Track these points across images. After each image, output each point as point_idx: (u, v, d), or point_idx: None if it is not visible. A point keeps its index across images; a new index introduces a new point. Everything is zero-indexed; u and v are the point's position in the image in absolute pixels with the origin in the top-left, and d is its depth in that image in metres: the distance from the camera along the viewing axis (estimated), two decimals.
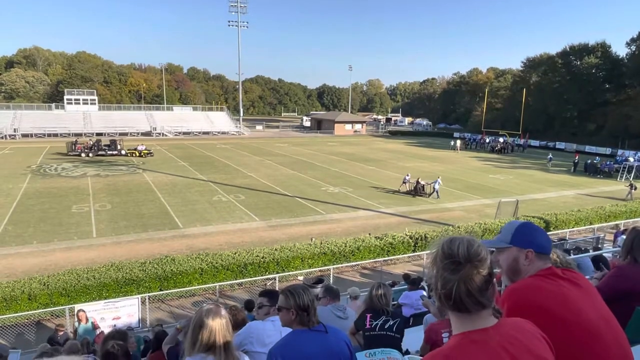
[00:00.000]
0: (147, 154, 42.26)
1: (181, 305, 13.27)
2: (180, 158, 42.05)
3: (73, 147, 42.27)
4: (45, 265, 15.53)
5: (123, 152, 42.76)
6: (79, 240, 18.27)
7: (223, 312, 2.61)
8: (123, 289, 12.71)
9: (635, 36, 60.19)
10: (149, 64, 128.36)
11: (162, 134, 65.72)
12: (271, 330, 3.17)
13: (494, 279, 1.50)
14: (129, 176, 32.16)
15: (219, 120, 76.64)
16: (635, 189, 27.83)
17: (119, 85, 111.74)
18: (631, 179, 34.69)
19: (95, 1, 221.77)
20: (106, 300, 11.78)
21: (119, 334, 4.16)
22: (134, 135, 63.88)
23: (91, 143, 43.29)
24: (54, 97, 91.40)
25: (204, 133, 69.58)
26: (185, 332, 2.97)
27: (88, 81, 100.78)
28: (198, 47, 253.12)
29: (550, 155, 45.84)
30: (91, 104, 71.63)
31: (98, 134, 62.56)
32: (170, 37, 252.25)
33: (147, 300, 12.29)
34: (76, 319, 10.12)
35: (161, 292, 12.98)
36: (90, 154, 41.46)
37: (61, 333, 9.29)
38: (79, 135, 58.60)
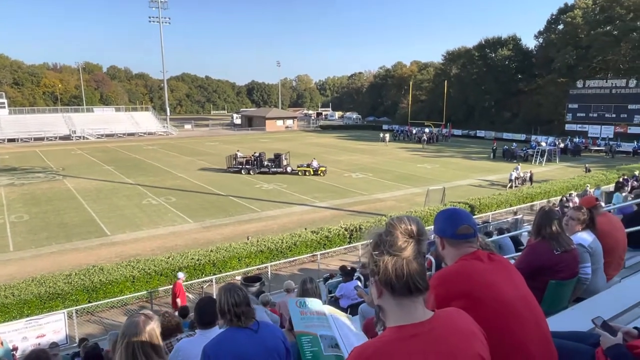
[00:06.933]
0: (324, 171, 33.27)
1: (113, 316, 12.66)
2: (104, 162, 39.89)
3: (234, 161, 34.64)
4: None
5: (289, 169, 33.87)
6: None
7: (151, 321, 2.49)
8: (47, 305, 11.91)
9: (542, 29, 64.81)
10: (65, 63, 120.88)
11: (83, 137, 62.12)
12: (200, 345, 3.10)
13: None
14: (48, 184, 30.08)
15: (145, 121, 73.64)
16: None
17: (32, 87, 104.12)
18: (544, 162, 37.53)
19: None
20: (28, 318, 10.98)
21: (38, 356, 3.90)
22: (51, 140, 59.83)
23: (254, 157, 34.55)
24: None
25: (129, 134, 66.66)
26: (114, 347, 2.82)
27: None
28: (117, 44, 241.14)
29: (381, 135, 58.04)
30: (0, 107, 66.10)
31: (10, 140, 58.02)
32: (86, 34, 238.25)
33: (74, 314, 11.61)
34: None
35: (90, 305, 12.31)
36: (252, 171, 33.64)
37: None
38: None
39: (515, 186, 27.80)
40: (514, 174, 28.79)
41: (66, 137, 61.57)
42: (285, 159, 34.34)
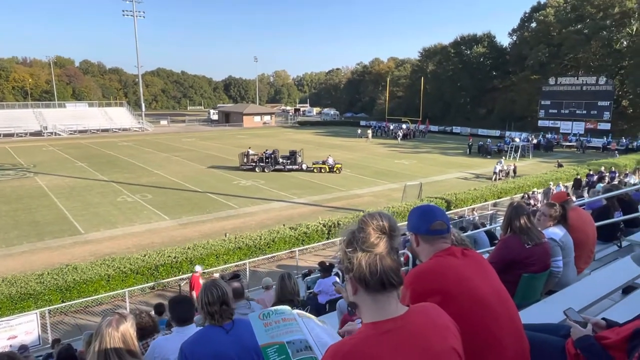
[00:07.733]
0: (340, 168, 32.31)
1: (87, 316, 12.42)
2: (77, 158, 39.01)
3: (246, 158, 33.31)
4: None
5: (304, 166, 32.85)
6: None
7: (125, 321, 2.44)
8: (18, 305, 11.60)
9: (515, 27, 65.99)
10: (35, 58, 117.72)
11: (55, 133, 60.54)
12: (176, 342, 3.06)
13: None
14: (18, 181, 29.26)
15: (119, 116, 72.21)
16: None
17: (0, 82, 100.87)
18: (517, 158, 38.27)
19: None
20: None
21: (10, 357, 3.79)
22: (21, 136, 58.18)
23: (266, 154, 33.10)
24: None
25: (103, 130, 65.30)
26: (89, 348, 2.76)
27: None
28: (90, 38, 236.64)
29: (359, 131, 58.44)
30: None
31: None
32: (57, 27, 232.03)
33: (47, 314, 11.35)
34: None
35: (63, 304, 12.04)
36: (266, 169, 32.48)
37: None
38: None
39: (499, 178, 29.11)
40: (498, 167, 30.11)
41: (37, 133, 59.94)
42: (300, 156, 33.45)
